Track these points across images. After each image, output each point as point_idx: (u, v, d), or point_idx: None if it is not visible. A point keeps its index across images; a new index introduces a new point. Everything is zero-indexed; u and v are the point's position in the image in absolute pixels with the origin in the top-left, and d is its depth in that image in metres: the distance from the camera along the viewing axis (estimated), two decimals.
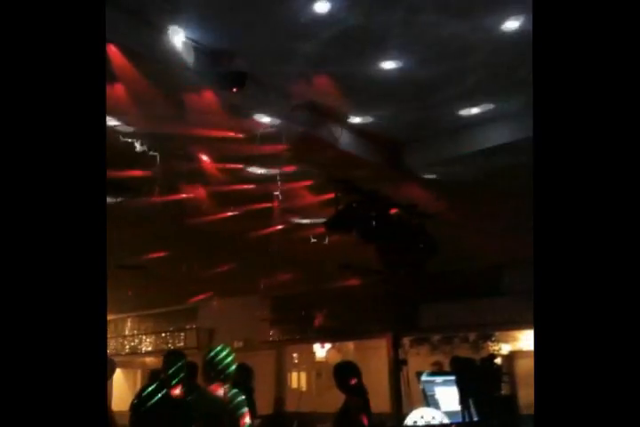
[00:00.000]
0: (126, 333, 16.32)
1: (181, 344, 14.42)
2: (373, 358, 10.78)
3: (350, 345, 12.41)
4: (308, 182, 6.22)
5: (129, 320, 16.40)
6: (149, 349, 15.35)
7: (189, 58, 4.21)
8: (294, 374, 13.55)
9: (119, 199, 6.43)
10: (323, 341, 12.45)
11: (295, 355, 13.37)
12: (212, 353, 3.47)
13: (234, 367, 3.48)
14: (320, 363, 12.43)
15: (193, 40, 4.20)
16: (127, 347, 15.89)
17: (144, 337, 15.69)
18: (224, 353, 3.48)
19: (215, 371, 3.40)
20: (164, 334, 15.16)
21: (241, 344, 12.75)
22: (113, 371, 4.71)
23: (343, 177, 6.00)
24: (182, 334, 14.65)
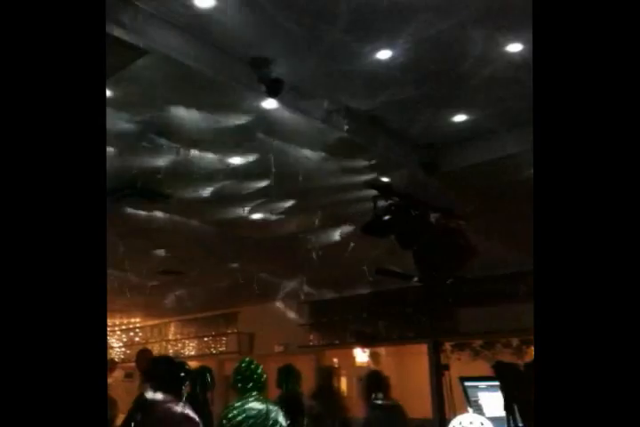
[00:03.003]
0: (170, 337, 16.62)
1: (223, 349, 14.60)
2: (414, 364, 10.68)
3: (390, 350, 12.33)
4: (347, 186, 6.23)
5: (172, 325, 16.69)
6: (192, 353, 15.58)
7: (230, 67, 4.32)
8: (335, 379, 13.52)
9: (155, 206, 6.57)
10: (362, 346, 12.40)
11: (335, 360, 13.35)
12: (241, 365, 3.45)
13: (263, 378, 3.44)
14: (361, 368, 12.38)
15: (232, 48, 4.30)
16: (171, 351, 16.17)
17: (187, 342, 15.95)
18: (252, 365, 3.45)
19: (245, 383, 3.39)
20: (206, 339, 15.37)
21: (281, 349, 12.81)
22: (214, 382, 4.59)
23: (380, 181, 6.02)
24: (224, 338, 14.83)
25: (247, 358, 3.59)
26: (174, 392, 2.97)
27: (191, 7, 3.84)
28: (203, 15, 3.92)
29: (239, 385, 3.40)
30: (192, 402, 4.31)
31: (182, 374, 3.24)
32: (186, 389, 3.30)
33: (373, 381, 4.39)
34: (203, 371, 4.60)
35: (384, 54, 4.33)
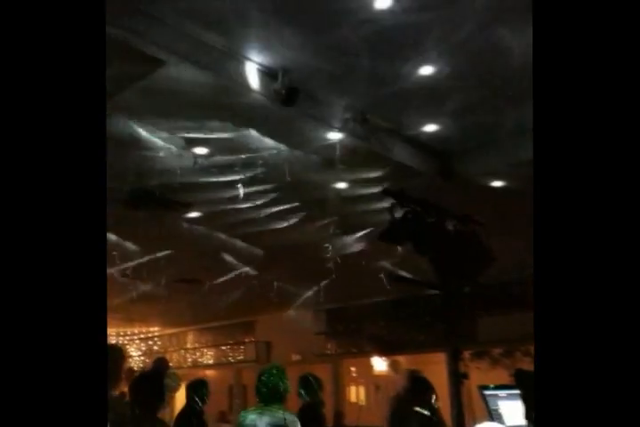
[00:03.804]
0: (188, 346, 16.68)
1: (241, 357, 14.61)
2: (433, 373, 10.58)
3: (408, 359, 12.24)
4: (362, 194, 6.23)
5: (190, 334, 16.76)
6: (210, 362, 15.62)
7: (248, 76, 4.37)
8: (353, 388, 13.45)
9: (176, 215, 6.63)
10: (379, 354, 12.33)
11: (353, 368, 13.29)
12: (265, 374, 3.41)
13: (286, 388, 3.40)
14: (379, 376, 12.30)
15: (248, 58, 4.35)
16: (189, 360, 16.23)
17: (205, 350, 15.99)
18: (276, 373, 3.41)
19: (268, 392, 3.36)
20: (223, 347, 15.40)
21: (299, 357, 12.78)
22: (179, 386, 4.71)
23: (396, 188, 5.99)
24: (241, 347, 14.85)
25: (273, 367, 3.54)
26: (155, 408, 2.99)
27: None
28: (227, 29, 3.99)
29: (262, 394, 3.37)
30: (187, 413, 4.34)
31: (166, 392, 3.27)
32: (164, 405, 3.29)
33: (422, 386, 4.35)
34: (198, 383, 4.65)
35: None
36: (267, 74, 4.49)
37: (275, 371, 3.47)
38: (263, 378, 3.41)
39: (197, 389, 4.58)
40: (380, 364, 12.57)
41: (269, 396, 3.35)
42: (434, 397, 4.37)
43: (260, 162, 5.66)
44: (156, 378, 4.06)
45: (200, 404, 4.52)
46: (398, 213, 4.81)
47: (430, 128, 5.37)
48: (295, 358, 12.79)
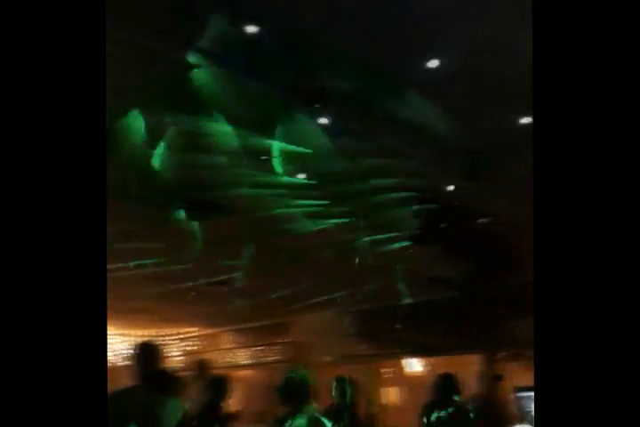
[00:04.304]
0: (224, 346, 16.89)
1: (276, 358, 14.74)
2: (468, 374, 10.48)
3: (442, 361, 12.15)
4: (392, 195, 6.25)
5: (226, 334, 16.97)
6: (246, 362, 15.80)
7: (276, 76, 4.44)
8: (386, 389, 13.43)
9: (208, 218, 6.75)
10: (413, 355, 12.28)
11: (386, 369, 13.27)
12: (287, 376, 3.40)
13: (308, 390, 3.38)
14: (412, 378, 12.26)
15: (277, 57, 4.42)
16: (225, 360, 16.45)
17: (240, 351, 16.18)
18: (299, 376, 3.40)
19: (291, 394, 3.35)
20: (259, 348, 15.56)
21: (332, 359, 12.82)
22: (230, 391, 4.62)
23: (426, 189, 6.02)
24: (276, 347, 14.98)
25: (295, 370, 3.53)
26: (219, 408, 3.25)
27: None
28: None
29: (286, 396, 3.37)
30: (206, 410, 4.38)
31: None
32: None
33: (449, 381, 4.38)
34: (218, 379, 4.64)
35: (432, 63, 4.36)
36: (294, 75, 4.56)
37: (298, 372, 3.47)
38: (288, 380, 3.41)
39: (217, 385, 4.62)
40: (413, 365, 12.52)
41: (295, 397, 3.36)
42: (461, 397, 4.38)
43: (286, 164, 5.75)
44: (222, 383, 4.31)
45: (218, 400, 4.55)
46: (429, 216, 4.83)
47: (458, 126, 5.36)
48: (328, 359, 12.84)
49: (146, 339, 6.05)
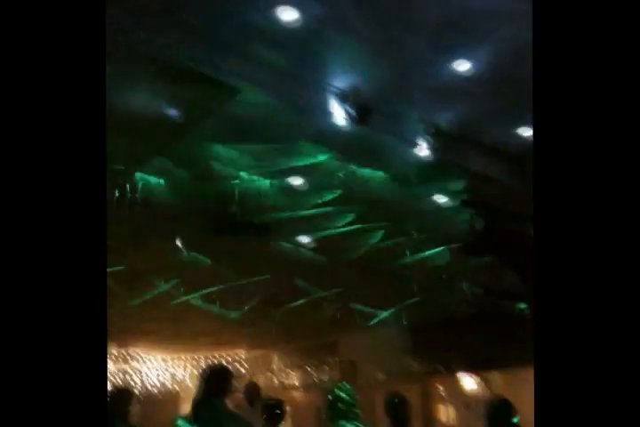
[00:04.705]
0: (273, 367, 16.86)
1: (326, 377, 14.61)
2: (526, 391, 10.12)
3: (500, 376, 11.79)
4: (441, 207, 6.17)
5: (275, 355, 16.95)
6: (296, 383, 15.71)
7: (319, 98, 4.50)
8: (441, 407, 13.10)
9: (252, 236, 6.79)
10: (468, 371, 11.96)
11: (441, 387, 12.96)
12: (333, 393, 3.38)
13: (355, 408, 3.35)
14: (468, 395, 11.93)
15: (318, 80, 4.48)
16: (276, 382, 16.40)
17: (291, 371, 16.11)
18: (345, 393, 3.37)
19: (338, 411, 3.31)
20: (308, 368, 15.46)
21: (385, 377, 12.62)
22: (284, 414, 4.55)
23: (476, 199, 5.91)
24: (326, 367, 14.85)
25: (340, 387, 3.52)
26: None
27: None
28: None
29: (333, 415, 3.35)
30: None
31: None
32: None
33: (503, 407, 4.23)
34: (273, 403, 4.57)
35: (464, 67, 4.33)
36: (337, 94, 4.60)
37: (343, 390, 3.45)
38: (333, 397, 3.40)
39: (272, 409, 4.50)
40: (468, 382, 12.18)
41: (341, 415, 3.34)
42: (517, 418, 4.20)
43: (336, 182, 5.75)
44: (277, 406, 4.33)
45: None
46: (479, 225, 4.73)
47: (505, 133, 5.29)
48: (381, 377, 12.65)
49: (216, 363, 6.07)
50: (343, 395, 3.40)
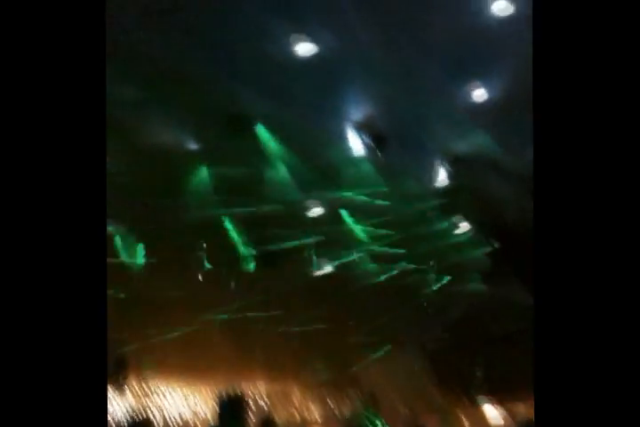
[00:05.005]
0: (295, 403, 16.55)
1: (348, 411, 14.31)
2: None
3: (523, 406, 11.49)
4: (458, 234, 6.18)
5: (295, 389, 16.66)
6: (319, 419, 15.39)
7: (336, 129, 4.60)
8: None
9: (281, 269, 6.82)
10: (494, 403, 11.68)
11: (465, 419, 12.66)
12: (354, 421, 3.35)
13: None
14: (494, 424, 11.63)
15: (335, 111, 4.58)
16: (298, 418, 16.09)
17: (312, 406, 15.80)
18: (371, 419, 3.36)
19: None
20: (329, 402, 15.16)
21: (407, 410, 12.36)
22: None
23: (495, 223, 5.90)
24: (348, 400, 14.57)
25: (365, 418, 3.50)
26: None
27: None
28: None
29: None
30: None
31: None
32: None
33: None
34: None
35: (479, 93, 4.40)
36: (353, 125, 4.70)
37: (368, 420, 3.45)
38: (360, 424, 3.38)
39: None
40: (493, 413, 11.89)
41: None
42: None
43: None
44: None
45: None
46: (499, 250, 4.68)
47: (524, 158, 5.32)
48: (404, 410, 12.39)
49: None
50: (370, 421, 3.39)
